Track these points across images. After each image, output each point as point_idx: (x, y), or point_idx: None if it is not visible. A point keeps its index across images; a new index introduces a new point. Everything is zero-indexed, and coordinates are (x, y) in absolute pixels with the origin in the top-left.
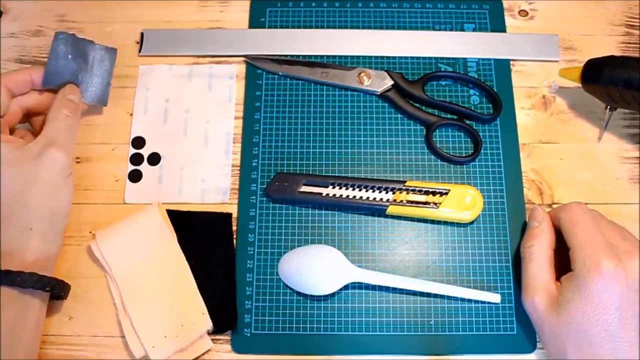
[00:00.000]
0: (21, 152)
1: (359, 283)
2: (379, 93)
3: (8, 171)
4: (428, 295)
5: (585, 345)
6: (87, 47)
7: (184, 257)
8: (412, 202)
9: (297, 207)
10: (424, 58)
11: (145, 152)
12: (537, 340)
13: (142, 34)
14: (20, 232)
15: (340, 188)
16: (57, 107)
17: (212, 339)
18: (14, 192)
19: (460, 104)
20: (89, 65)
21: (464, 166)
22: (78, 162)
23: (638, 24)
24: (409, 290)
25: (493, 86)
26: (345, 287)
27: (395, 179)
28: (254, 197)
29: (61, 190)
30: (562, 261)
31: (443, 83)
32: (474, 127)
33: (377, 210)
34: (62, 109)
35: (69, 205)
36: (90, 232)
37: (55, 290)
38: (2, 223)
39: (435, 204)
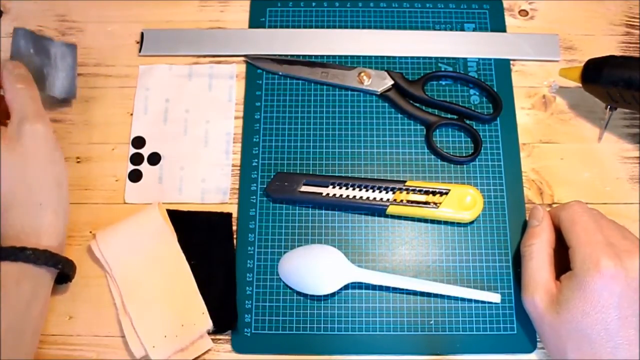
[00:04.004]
0: (3, 136)
1: (359, 283)
2: (379, 93)
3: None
4: (428, 295)
5: (585, 344)
6: (48, 44)
7: (184, 257)
8: (412, 202)
9: (297, 207)
10: (424, 58)
11: (145, 152)
12: (538, 339)
13: (142, 34)
14: (32, 209)
15: (340, 188)
16: (9, 85)
17: (212, 339)
18: (13, 176)
19: (460, 103)
20: (52, 60)
21: (464, 166)
22: (78, 162)
23: (638, 24)
24: (409, 290)
25: (493, 86)
26: (345, 287)
27: (395, 179)
28: (254, 197)
29: (55, 158)
30: (562, 260)
31: (443, 83)
32: (474, 127)
33: (377, 210)
34: (15, 84)
35: (66, 172)
36: (90, 232)
37: (65, 269)
38: (13, 209)
39: (435, 203)
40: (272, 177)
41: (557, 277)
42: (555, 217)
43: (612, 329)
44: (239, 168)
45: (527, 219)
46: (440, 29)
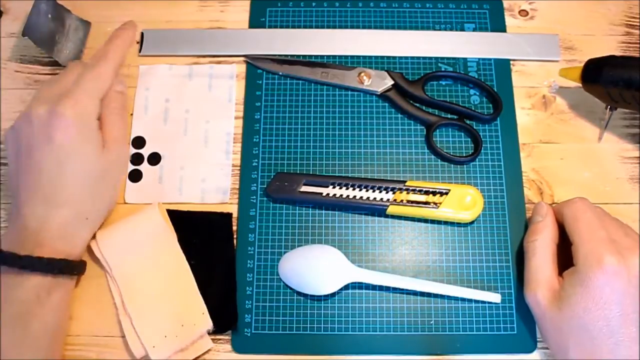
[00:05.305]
0: (102, 153)
1: (359, 283)
2: (379, 93)
3: (89, 166)
4: (428, 295)
5: (587, 341)
6: (65, 14)
7: (184, 257)
8: (412, 202)
9: (297, 207)
10: (424, 58)
11: (145, 152)
12: (538, 339)
13: (142, 34)
14: (79, 220)
15: (341, 188)
16: (107, 103)
17: (212, 339)
18: (88, 185)
19: (460, 103)
20: (66, 30)
21: (464, 166)
22: None
23: (638, 24)
24: (409, 290)
25: (493, 86)
26: (345, 287)
27: (395, 179)
28: (254, 197)
29: (119, 184)
30: (565, 256)
31: (443, 83)
32: (474, 127)
33: (377, 210)
34: (111, 103)
35: (115, 199)
36: None
37: (81, 272)
38: (68, 209)
39: (435, 203)
40: (272, 177)
41: (560, 273)
42: (558, 213)
43: (613, 325)
44: (239, 168)
45: (531, 214)
46: (440, 29)
